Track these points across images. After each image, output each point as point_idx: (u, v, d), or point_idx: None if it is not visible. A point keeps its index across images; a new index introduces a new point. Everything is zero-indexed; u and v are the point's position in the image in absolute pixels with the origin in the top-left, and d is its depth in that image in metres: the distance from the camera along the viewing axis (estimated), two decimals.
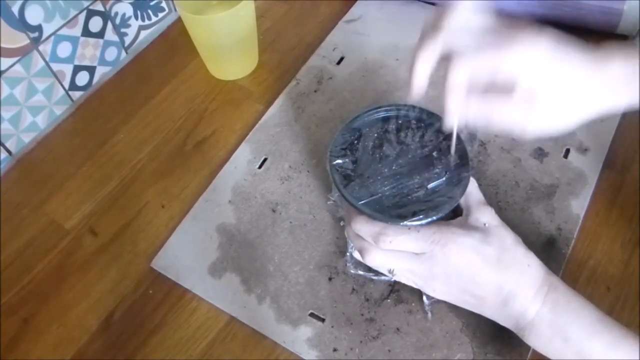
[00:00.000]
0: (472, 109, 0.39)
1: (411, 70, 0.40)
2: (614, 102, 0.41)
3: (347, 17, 0.71)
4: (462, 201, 0.46)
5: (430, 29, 0.39)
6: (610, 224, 0.52)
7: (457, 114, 0.40)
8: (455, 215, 0.46)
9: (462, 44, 0.38)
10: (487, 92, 0.39)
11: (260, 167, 0.58)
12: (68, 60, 0.62)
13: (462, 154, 0.47)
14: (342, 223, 0.52)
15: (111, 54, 0.67)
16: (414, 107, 0.50)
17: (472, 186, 0.46)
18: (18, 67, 0.57)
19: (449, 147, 0.47)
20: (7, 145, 0.60)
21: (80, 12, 0.61)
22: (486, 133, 0.50)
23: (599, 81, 0.40)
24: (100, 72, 0.67)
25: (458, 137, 0.48)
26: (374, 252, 0.44)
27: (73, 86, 0.64)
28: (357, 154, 0.48)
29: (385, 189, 0.45)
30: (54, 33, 0.59)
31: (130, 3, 0.66)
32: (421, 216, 0.43)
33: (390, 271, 0.44)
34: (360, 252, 0.45)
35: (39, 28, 0.58)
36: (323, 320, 0.48)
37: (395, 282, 0.47)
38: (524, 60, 0.38)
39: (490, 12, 0.40)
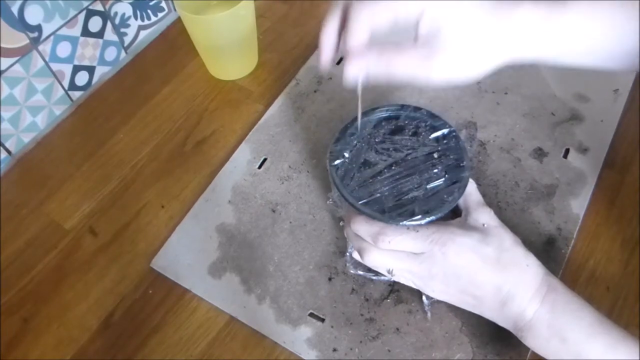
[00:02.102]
0: (371, 62, 0.37)
1: (320, 36, 0.39)
2: (520, 52, 0.39)
3: None
4: (461, 202, 0.46)
5: None
6: (610, 224, 0.52)
7: (357, 69, 0.38)
8: (454, 216, 0.46)
9: None
10: (387, 42, 0.37)
11: (260, 167, 0.58)
12: (67, 60, 0.62)
13: (462, 154, 0.47)
14: (342, 223, 0.52)
15: (111, 53, 0.67)
16: (413, 107, 0.50)
17: (471, 187, 0.46)
18: (18, 67, 0.57)
19: (448, 147, 0.47)
20: (7, 145, 0.60)
21: (80, 12, 0.61)
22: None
23: (503, 25, 0.38)
24: (100, 72, 0.67)
25: (456, 136, 0.48)
26: (373, 252, 0.43)
27: (73, 86, 0.64)
28: (357, 154, 0.48)
29: (385, 189, 0.45)
30: (53, 33, 0.59)
31: (129, 3, 0.66)
32: (420, 216, 0.43)
33: (389, 271, 0.44)
34: (360, 252, 0.45)
35: (38, 28, 0.58)
36: (323, 320, 0.48)
37: (395, 282, 0.47)
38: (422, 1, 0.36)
39: None
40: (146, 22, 0.70)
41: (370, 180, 0.46)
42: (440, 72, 0.38)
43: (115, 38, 0.67)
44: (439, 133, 0.48)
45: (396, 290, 0.49)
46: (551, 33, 0.39)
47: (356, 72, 0.38)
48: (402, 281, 0.45)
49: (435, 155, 0.47)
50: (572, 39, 0.40)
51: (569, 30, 0.39)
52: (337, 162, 0.47)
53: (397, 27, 0.37)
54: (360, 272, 0.49)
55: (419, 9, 0.36)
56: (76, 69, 0.64)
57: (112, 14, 0.65)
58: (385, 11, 0.36)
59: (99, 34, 0.64)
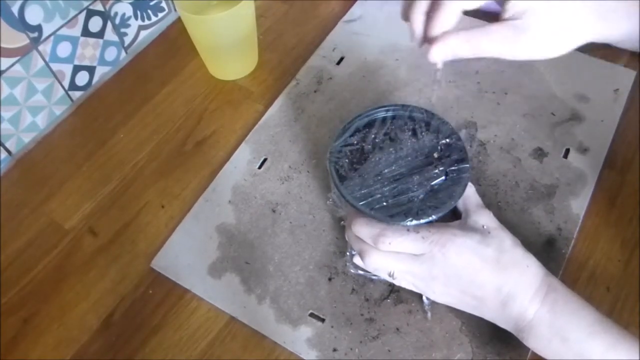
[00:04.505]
0: (458, 45, 0.38)
1: (408, 16, 0.40)
2: (609, 31, 0.40)
3: (347, 17, 0.71)
4: (460, 204, 0.46)
5: None
6: (610, 224, 0.52)
7: (444, 53, 0.39)
8: (454, 218, 0.46)
9: None
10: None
11: (260, 167, 0.58)
12: (68, 60, 0.62)
13: (462, 154, 0.47)
14: (342, 223, 0.52)
15: (111, 54, 0.67)
16: (413, 107, 0.50)
17: (470, 190, 0.46)
18: (18, 67, 0.57)
19: (448, 147, 0.47)
20: (7, 145, 0.60)
21: (80, 12, 0.61)
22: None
23: (592, 6, 0.38)
24: (100, 72, 0.67)
25: (456, 136, 0.48)
26: (374, 254, 0.43)
27: (73, 86, 0.64)
28: (356, 154, 0.48)
29: (385, 189, 0.45)
30: (53, 33, 0.59)
31: (130, 3, 0.66)
32: (420, 217, 0.43)
33: (390, 274, 0.44)
34: (361, 255, 0.45)
35: (38, 28, 0.58)
36: (323, 320, 0.48)
37: None
38: None
39: None
40: (146, 22, 0.70)
41: (371, 181, 0.46)
42: (525, 47, 0.39)
43: (115, 38, 0.67)
44: (439, 133, 0.48)
45: (396, 290, 0.49)
46: (635, 15, 0.39)
47: (443, 56, 0.39)
48: (403, 284, 0.45)
49: (436, 155, 0.47)
50: None
51: None
52: (337, 162, 0.47)
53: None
54: (361, 272, 0.49)
55: None
56: (76, 69, 0.64)
57: (112, 14, 0.65)
58: None
59: (99, 34, 0.64)
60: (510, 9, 0.38)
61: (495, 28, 0.38)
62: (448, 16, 0.37)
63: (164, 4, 0.71)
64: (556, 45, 0.40)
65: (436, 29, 0.38)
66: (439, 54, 0.39)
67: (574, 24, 0.39)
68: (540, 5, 0.38)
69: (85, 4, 0.61)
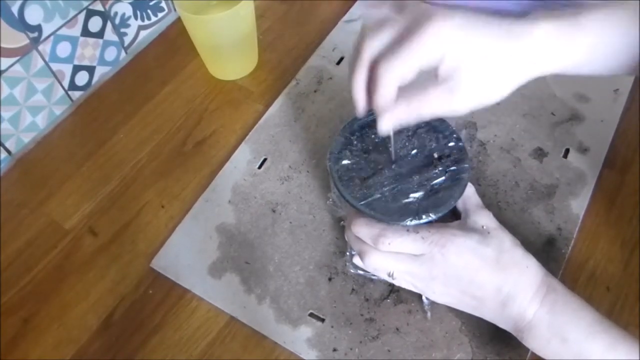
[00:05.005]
0: (401, 113, 0.39)
1: (351, 91, 0.41)
2: (539, 69, 0.40)
3: (347, 17, 0.71)
4: (460, 205, 0.46)
5: (355, 51, 0.40)
6: (610, 224, 0.52)
7: (390, 123, 0.40)
8: (454, 218, 0.46)
9: (381, 51, 0.39)
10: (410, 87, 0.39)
11: (260, 167, 0.58)
12: (67, 60, 0.62)
13: (462, 154, 0.47)
14: (342, 223, 0.52)
15: (111, 53, 0.67)
16: None
17: (470, 190, 0.46)
18: (18, 67, 0.57)
19: (448, 147, 0.47)
20: (7, 145, 0.60)
21: (80, 12, 0.61)
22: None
23: (519, 49, 0.39)
24: (100, 72, 0.67)
25: (456, 136, 0.48)
26: (373, 254, 0.43)
27: (72, 86, 0.64)
28: (357, 154, 0.48)
29: (385, 189, 0.45)
30: (53, 33, 0.59)
31: (129, 3, 0.66)
32: (420, 217, 0.43)
33: (390, 274, 0.44)
34: (360, 255, 0.45)
35: (38, 28, 0.58)
36: (323, 320, 0.48)
37: None
38: (439, 42, 0.37)
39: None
40: (146, 22, 0.70)
41: (371, 181, 0.46)
42: (464, 103, 0.40)
43: (115, 38, 0.67)
44: (439, 133, 0.48)
45: (396, 290, 0.49)
46: (569, 48, 0.40)
47: (389, 126, 0.40)
48: (402, 285, 0.45)
49: (436, 156, 0.47)
50: (591, 51, 0.41)
51: (587, 43, 0.40)
52: (337, 162, 0.47)
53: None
54: (360, 272, 0.49)
55: (440, 54, 0.37)
56: (76, 69, 0.64)
57: (112, 14, 0.65)
58: (410, 67, 0.38)
59: (99, 34, 0.64)
60: (443, 70, 0.38)
61: (430, 91, 0.39)
62: (387, 90, 0.38)
63: (163, 4, 0.71)
64: (495, 90, 0.40)
65: (378, 102, 0.39)
66: (386, 125, 0.40)
67: (511, 66, 0.39)
68: (470, 59, 0.38)
69: (85, 4, 0.61)
